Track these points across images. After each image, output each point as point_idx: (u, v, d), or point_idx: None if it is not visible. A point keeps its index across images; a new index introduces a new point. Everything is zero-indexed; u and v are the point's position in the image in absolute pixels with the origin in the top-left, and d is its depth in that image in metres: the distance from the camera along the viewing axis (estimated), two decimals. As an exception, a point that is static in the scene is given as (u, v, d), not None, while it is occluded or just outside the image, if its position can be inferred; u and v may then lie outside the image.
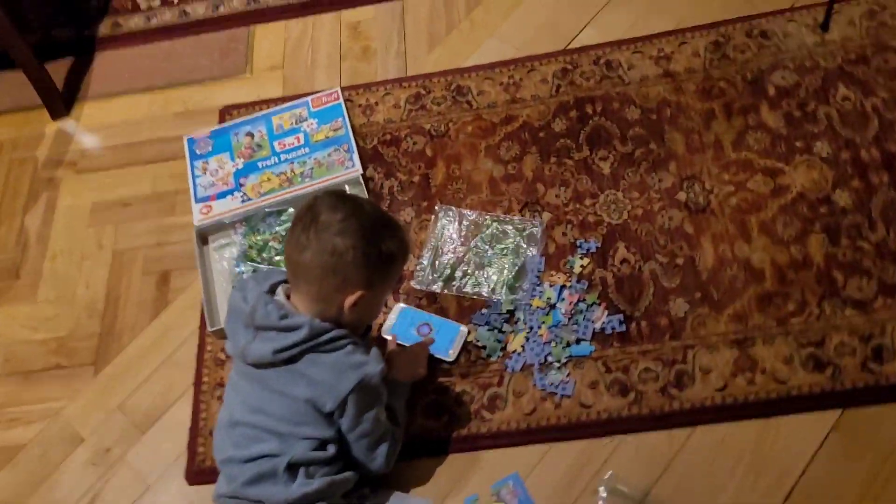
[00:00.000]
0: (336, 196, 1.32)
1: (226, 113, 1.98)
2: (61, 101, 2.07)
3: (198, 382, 1.60)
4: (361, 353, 1.30)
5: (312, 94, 1.93)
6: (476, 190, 1.74)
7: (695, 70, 1.80)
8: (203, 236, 1.76)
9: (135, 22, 2.22)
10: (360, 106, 1.92)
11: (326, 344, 1.27)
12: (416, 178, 1.78)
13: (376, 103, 1.92)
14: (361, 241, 1.26)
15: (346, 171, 1.77)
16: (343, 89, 1.94)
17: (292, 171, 1.80)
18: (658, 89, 1.78)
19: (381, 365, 1.30)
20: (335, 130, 1.84)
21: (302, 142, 1.84)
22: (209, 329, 1.61)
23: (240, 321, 1.31)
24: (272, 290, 1.34)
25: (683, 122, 1.73)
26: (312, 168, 1.79)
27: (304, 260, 1.26)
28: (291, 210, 1.75)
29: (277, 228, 1.73)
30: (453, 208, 1.71)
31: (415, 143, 1.83)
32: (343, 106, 1.87)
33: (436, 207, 1.72)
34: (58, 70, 2.16)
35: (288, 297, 1.33)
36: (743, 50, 1.80)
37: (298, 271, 1.29)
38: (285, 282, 1.35)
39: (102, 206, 1.90)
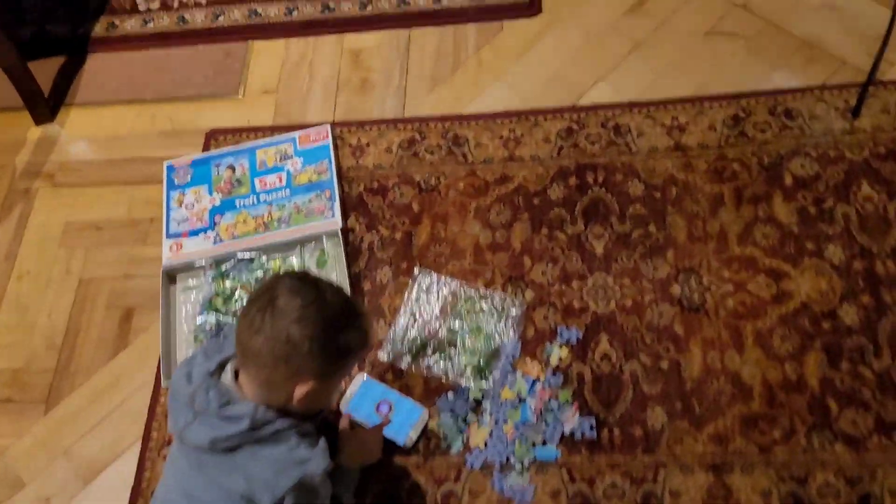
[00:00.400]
0: (298, 279, 1.23)
1: (211, 137, 1.89)
2: (46, 106, 1.99)
3: (146, 438, 1.53)
4: (306, 447, 1.21)
5: (302, 128, 1.83)
6: (459, 255, 1.63)
7: (708, 146, 1.66)
8: (171, 276, 1.68)
9: (131, 24, 2.12)
10: (350, 146, 1.81)
11: (269, 437, 1.19)
12: (398, 235, 1.67)
13: (368, 144, 1.81)
14: (319, 333, 1.17)
15: (326, 222, 1.67)
16: (335, 124, 1.84)
17: (270, 214, 1.70)
18: (666, 164, 1.65)
19: (327, 462, 1.21)
20: (319, 174, 1.74)
21: (284, 182, 1.74)
22: (163, 383, 1.54)
23: (181, 400, 1.23)
24: (222, 366, 1.26)
25: (688, 205, 1.60)
26: (291, 214, 1.70)
27: (255, 344, 1.18)
28: (264, 259, 1.66)
29: (247, 276, 1.65)
30: (433, 275, 1.61)
31: (402, 195, 1.72)
32: (331, 148, 1.77)
33: (415, 271, 1.62)
34: (48, 68, 2.08)
35: (238, 373, 1.25)
36: (763, 129, 1.66)
37: (248, 354, 1.20)
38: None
39: (75, 227, 1.82)
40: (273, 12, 2.07)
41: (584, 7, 1.93)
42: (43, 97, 1.99)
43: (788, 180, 1.59)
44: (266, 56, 2.02)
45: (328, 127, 1.80)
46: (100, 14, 2.16)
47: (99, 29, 2.13)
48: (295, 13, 2.06)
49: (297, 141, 1.79)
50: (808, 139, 1.63)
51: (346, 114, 1.89)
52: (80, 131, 1.98)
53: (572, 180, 1.68)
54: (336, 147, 1.80)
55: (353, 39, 2.00)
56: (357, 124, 1.85)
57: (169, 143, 1.91)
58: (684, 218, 1.59)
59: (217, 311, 1.61)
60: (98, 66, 2.08)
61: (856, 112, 1.63)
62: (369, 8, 2.03)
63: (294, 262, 1.67)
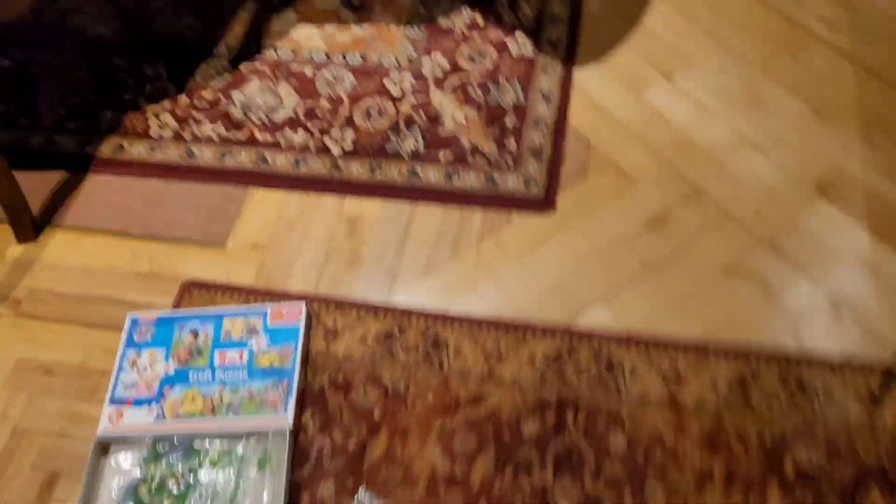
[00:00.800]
0: None
1: (186, 291, 1.79)
2: (31, 226, 1.92)
3: None
4: None
5: (280, 297, 1.72)
6: (412, 483, 1.47)
7: (706, 407, 1.49)
8: (105, 446, 1.55)
9: (138, 150, 2.06)
10: (324, 327, 1.69)
11: None
12: (351, 445, 1.53)
13: (343, 328, 1.68)
14: None
15: (276, 418, 1.53)
16: (315, 298, 1.73)
17: (221, 396, 1.58)
18: (656, 419, 1.49)
19: None
20: (282, 360, 1.61)
21: (244, 362, 1.62)
22: (59, 583, 1.40)
23: None
24: None
25: (672, 477, 1.42)
26: (243, 401, 1.57)
27: None
28: (207, 448, 1.53)
29: (183, 465, 1.51)
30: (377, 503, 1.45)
31: (366, 397, 1.58)
32: (301, 332, 1.64)
33: (359, 493, 1.46)
34: (46, 182, 2.03)
35: None
36: (770, 399, 1.48)
37: None
38: None
39: (26, 367, 1.72)
40: (281, 161, 1.99)
41: (600, 213, 1.81)
42: (30, 216, 1.92)
43: (789, 470, 1.40)
44: (263, 207, 1.93)
45: (303, 306, 1.68)
46: (112, 132, 2.11)
47: (106, 148, 2.08)
48: (302, 166, 1.98)
49: (269, 316, 1.68)
50: (818, 422, 1.45)
51: (329, 287, 1.77)
52: (60, 257, 1.90)
53: (550, 417, 1.52)
54: (309, 326, 1.68)
55: (355, 205, 1.91)
56: (337, 303, 1.73)
57: (143, 286, 1.82)
58: (666, 491, 1.41)
59: (141, 502, 1.47)
60: (95, 189, 2.02)
61: (877, 400, 1.45)
62: (378, 174, 1.93)
63: (239, 451, 1.54)
